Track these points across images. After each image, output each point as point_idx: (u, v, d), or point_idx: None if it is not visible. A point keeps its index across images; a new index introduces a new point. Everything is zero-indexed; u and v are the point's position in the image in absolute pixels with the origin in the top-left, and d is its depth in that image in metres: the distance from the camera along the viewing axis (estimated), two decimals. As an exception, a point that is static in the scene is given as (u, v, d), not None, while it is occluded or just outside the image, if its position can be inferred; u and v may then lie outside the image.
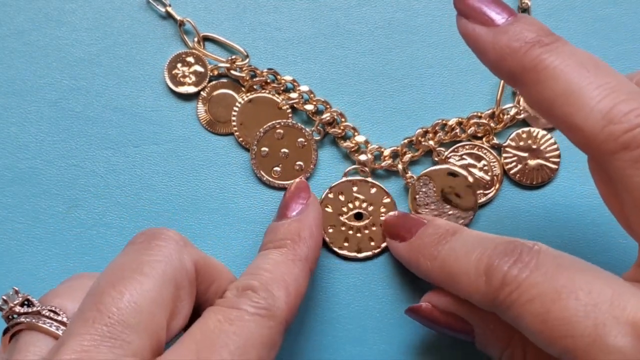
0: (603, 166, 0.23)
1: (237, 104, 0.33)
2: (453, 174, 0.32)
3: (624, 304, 0.21)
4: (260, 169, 0.32)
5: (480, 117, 0.33)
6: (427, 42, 0.34)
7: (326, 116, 0.33)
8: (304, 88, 0.33)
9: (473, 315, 0.26)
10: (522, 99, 0.33)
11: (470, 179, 0.32)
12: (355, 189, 0.32)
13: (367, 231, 0.32)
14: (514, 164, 0.32)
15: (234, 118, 0.33)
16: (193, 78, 0.33)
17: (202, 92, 0.33)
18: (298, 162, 0.33)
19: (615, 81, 0.22)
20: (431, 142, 0.32)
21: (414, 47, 0.34)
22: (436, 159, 0.33)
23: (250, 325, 0.23)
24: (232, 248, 0.32)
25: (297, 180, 0.32)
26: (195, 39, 0.33)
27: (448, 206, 0.32)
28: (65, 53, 0.33)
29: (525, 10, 0.34)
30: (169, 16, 0.34)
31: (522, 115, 0.33)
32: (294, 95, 0.33)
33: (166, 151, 0.33)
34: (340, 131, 0.33)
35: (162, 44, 0.34)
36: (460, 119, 0.33)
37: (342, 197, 0.32)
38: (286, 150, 0.33)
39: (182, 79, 0.33)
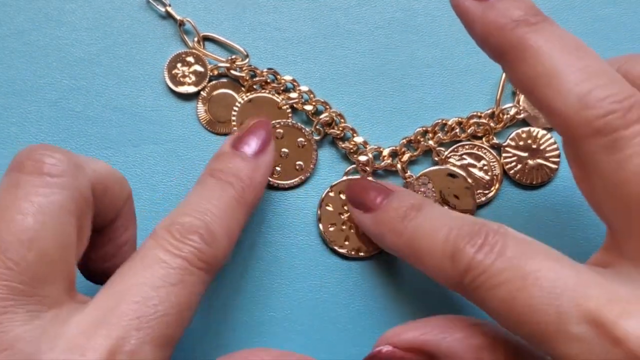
0: (576, 150, 0.23)
1: (236, 103, 0.33)
2: (452, 175, 0.32)
3: (588, 292, 0.21)
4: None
5: (480, 117, 0.33)
6: (427, 42, 0.34)
7: (324, 116, 0.33)
8: (304, 88, 0.33)
9: (439, 345, 0.25)
10: (521, 99, 0.33)
11: (470, 181, 0.32)
12: None
13: None
14: (513, 163, 0.33)
15: (233, 118, 0.33)
16: (193, 78, 0.33)
17: (202, 92, 0.33)
18: (298, 162, 0.33)
19: (596, 65, 0.22)
20: (430, 142, 0.32)
21: (413, 47, 0.34)
22: (436, 158, 0.33)
23: (191, 280, 0.23)
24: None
25: (260, 118, 0.31)
26: (195, 39, 0.33)
27: (446, 207, 0.32)
28: (65, 53, 0.33)
29: (525, 10, 0.34)
30: (168, 16, 0.34)
31: (521, 115, 0.33)
32: (293, 95, 0.33)
33: (166, 151, 0.33)
34: (339, 132, 0.33)
35: (162, 43, 0.34)
36: (460, 119, 0.33)
37: (343, 196, 0.32)
38: (286, 150, 0.32)
39: (182, 79, 0.33)
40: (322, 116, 0.33)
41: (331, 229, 0.32)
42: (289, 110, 0.33)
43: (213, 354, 0.32)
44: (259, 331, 0.32)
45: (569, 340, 0.21)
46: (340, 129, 0.33)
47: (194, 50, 0.33)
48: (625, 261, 0.23)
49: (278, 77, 0.33)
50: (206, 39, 0.34)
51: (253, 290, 0.32)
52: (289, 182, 0.32)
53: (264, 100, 0.33)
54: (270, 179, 0.32)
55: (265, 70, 0.33)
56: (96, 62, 0.33)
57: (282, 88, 0.33)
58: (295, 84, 0.33)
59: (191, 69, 0.33)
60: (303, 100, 0.33)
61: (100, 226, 0.26)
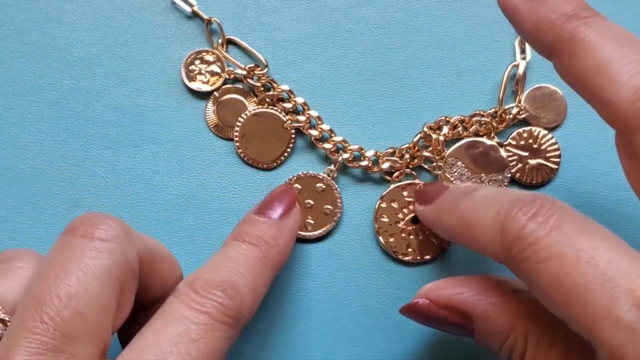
0: (629, 141, 0.23)
1: (242, 115, 0.33)
2: (474, 144, 0.32)
3: None
4: None
5: (482, 116, 0.33)
6: (427, 42, 0.34)
7: (346, 156, 0.32)
8: (313, 113, 0.33)
9: (474, 306, 0.25)
10: (522, 98, 0.33)
11: (492, 142, 0.32)
12: (405, 193, 0.32)
13: (427, 232, 0.32)
14: (514, 162, 0.33)
15: (237, 129, 0.33)
16: (208, 77, 0.33)
17: (214, 93, 0.33)
18: (326, 207, 0.32)
19: None
20: (441, 137, 0.32)
21: (413, 47, 0.34)
22: (437, 156, 0.33)
23: (215, 336, 0.23)
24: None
25: (284, 184, 0.31)
26: (220, 41, 0.33)
27: (484, 175, 0.32)
28: (66, 53, 0.33)
29: (525, 10, 0.34)
30: (195, 15, 0.34)
31: (523, 115, 0.33)
32: (301, 118, 0.33)
33: (167, 151, 0.33)
34: (349, 155, 0.32)
35: (162, 44, 0.34)
36: (462, 117, 0.33)
37: (395, 205, 0.32)
38: (310, 201, 0.32)
39: (197, 76, 0.33)
40: (344, 155, 0.32)
41: (391, 239, 0.32)
42: (293, 132, 0.33)
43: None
44: (259, 331, 0.32)
45: (617, 327, 0.20)
46: (349, 151, 0.33)
47: (215, 51, 0.33)
48: None
49: (292, 96, 0.33)
50: (230, 42, 0.34)
51: (253, 290, 0.32)
52: (324, 229, 0.32)
53: (270, 117, 0.33)
54: (306, 234, 0.32)
55: (281, 87, 0.33)
56: (96, 62, 0.33)
57: (291, 109, 0.33)
58: (305, 107, 0.33)
59: (208, 68, 0.33)
60: (309, 125, 0.33)
61: (148, 302, 0.26)
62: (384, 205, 0.32)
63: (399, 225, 0.32)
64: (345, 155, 0.32)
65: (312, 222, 0.32)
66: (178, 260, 0.27)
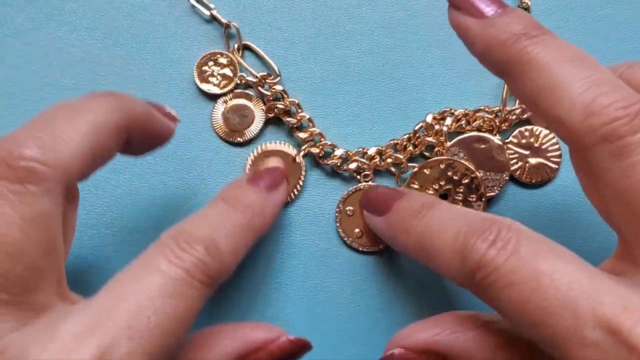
0: (583, 158, 0.23)
1: (251, 152, 0.33)
2: (481, 140, 0.32)
3: (603, 299, 0.21)
4: (344, 229, 0.32)
5: (487, 112, 0.33)
6: (427, 42, 0.34)
7: (363, 172, 0.33)
8: (315, 130, 0.33)
9: (452, 345, 0.25)
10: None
11: (499, 142, 0.32)
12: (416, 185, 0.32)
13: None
14: (514, 161, 0.32)
15: (247, 167, 0.33)
16: (220, 80, 0.33)
17: (224, 97, 0.33)
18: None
19: (598, 74, 0.22)
20: (444, 128, 0.32)
21: (413, 47, 0.34)
22: (438, 148, 0.33)
23: (190, 294, 0.22)
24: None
25: (280, 166, 0.32)
26: (236, 46, 0.33)
27: (482, 172, 0.32)
28: (66, 53, 0.33)
29: (525, 10, 0.34)
30: (213, 19, 0.34)
31: (525, 115, 0.33)
32: (302, 135, 0.33)
33: (167, 151, 0.33)
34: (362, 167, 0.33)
35: (162, 43, 0.34)
36: (466, 111, 0.33)
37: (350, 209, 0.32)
38: (351, 208, 0.33)
39: (209, 78, 0.33)
40: (362, 179, 0.33)
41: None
42: (303, 166, 0.33)
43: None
44: (259, 331, 0.32)
45: (584, 346, 0.20)
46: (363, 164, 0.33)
47: (230, 55, 0.33)
48: (639, 270, 0.22)
49: (299, 110, 0.33)
50: (245, 47, 0.34)
51: (253, 290, 0.32)
52: (372, 247, 0.33)
53: (279, 154, 0.33)
54: (352, 240, 0.32)
55: (290, 99, 0.33)
56: (96, 62, 0.33)
57: (296, 125, 0.33)
58: (310, 123, 0.33)
59: (221, 71, 0.33)
60: (313, 143, 0.33)
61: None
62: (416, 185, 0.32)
63: None
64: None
65: (358, 231, 0.32)
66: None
